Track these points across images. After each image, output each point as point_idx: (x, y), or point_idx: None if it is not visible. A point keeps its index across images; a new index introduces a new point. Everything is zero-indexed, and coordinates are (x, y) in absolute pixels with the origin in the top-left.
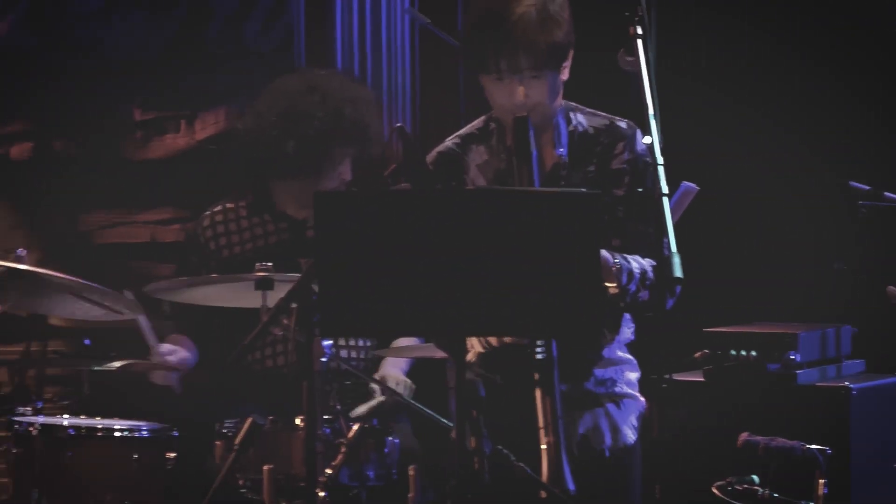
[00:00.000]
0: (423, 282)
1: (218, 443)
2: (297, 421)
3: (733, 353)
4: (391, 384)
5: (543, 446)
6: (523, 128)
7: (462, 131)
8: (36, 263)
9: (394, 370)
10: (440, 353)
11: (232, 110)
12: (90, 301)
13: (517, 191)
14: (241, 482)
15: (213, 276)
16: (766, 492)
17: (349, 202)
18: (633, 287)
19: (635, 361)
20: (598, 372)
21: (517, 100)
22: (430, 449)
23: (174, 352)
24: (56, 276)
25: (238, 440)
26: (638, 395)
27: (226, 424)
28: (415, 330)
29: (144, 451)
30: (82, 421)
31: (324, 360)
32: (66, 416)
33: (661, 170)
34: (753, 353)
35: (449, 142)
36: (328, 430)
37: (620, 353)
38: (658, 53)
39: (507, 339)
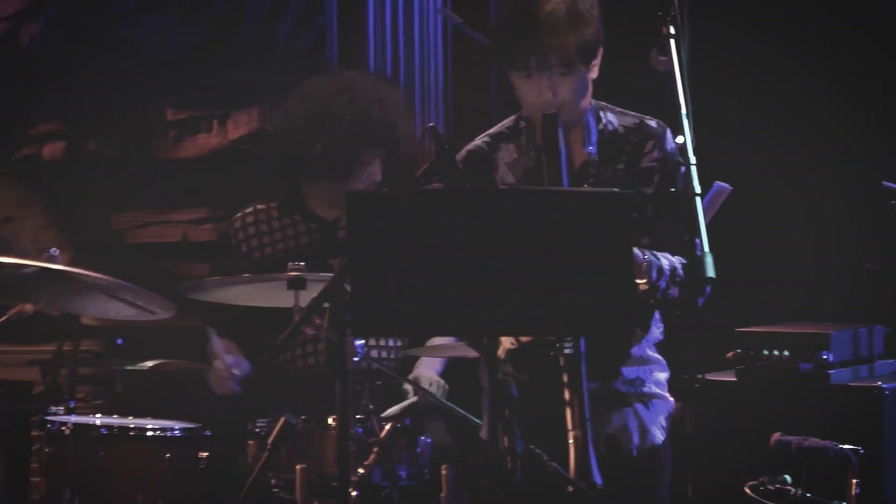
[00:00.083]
0: (454, 281)
1: (250, 442)
2: (330, 420)
3: (766, 352)
4: (424, 385)
5: (570, 440)
6: (552, 125)
7: (492, 130)
8: (68, 263)
9: (427, 371)
10: (473, 353)
11: (264, 110)
12: (123, 300)
13: (549, 190)
14: (273, 482)
15: (245, 275)
16: (799, 491)
17: (381, 202)
18: (662, 283)
19: (664, 361)
20: (627, 371)
21: (546, 97)
22: (463, 449)
23: (238, 363)
24: (89, 276)
25: (270, 440)
26: (667, 395)
27: (258, 424)
28: (446, 329)
29: (176, 451)
30: (114, 420)
31: (356, 359)
32: (98, 415)
33: (693, 169)
34: (786, 352)
35: (479, 140)
36: (360, 430)
37: (650, 353)
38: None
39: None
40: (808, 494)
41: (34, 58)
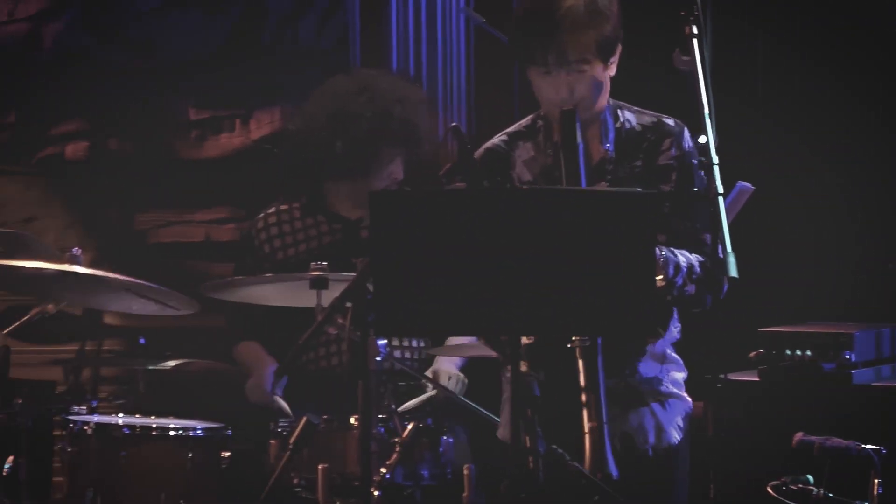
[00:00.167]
0: (477, 281)
1: (272, 442)
2: (352, 420)
3: (788, 352)
4: (443, 379)
5: (586, 430)
6: (570, 120)
7: (510, 129)
8: (91, 262)
9: (446, 365)
10: (493, 353)
11: (287, 109)
12: (145, 297)
13: (573, 190)
14: (295, 481)
15: (268, 275)
16: (821, 492)
17: (404, 201)
18: (679, 280)
19: (681, 361)
20: (643, 369)
21: (564, 93)
22: (484, 448)
23: (283, 385)
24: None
25: (293, 439)
26: (684, 395)
27: (280, 424)
28: (469, 329)
29: (199, 451)
30: (137, 420)
31: (378, 359)
32: (120, 415)
33: (716, 169)
34: (808, 352)
35: (497, 139)
36: (382, 430)
37: (668, 352)
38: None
39: None
40: (831, 494)
41: (57, 57)
